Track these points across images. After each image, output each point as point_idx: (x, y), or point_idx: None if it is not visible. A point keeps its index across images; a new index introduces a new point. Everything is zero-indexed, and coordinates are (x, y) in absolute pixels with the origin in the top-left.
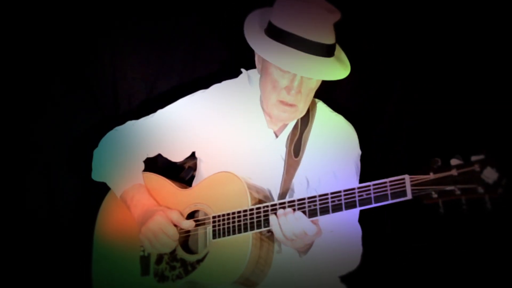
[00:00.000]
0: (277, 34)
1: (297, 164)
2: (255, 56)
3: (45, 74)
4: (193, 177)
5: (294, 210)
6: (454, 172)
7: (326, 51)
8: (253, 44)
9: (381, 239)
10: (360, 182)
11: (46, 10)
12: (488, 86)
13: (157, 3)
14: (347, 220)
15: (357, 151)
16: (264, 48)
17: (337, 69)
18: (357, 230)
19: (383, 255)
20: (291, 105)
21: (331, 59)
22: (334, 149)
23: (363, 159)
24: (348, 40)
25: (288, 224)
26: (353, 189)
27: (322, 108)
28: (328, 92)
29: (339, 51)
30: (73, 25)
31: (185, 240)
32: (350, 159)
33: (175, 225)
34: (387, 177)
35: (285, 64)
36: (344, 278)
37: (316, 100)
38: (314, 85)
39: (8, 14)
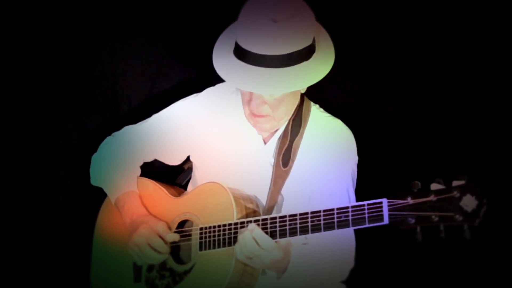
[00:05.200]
0: (238, 53)
1: (286, 174)
2: None
3: (45, 74)
4: (189, 181)
5: (267, 228)
6: (432, 197)
7: (282, 62)
8: (215, 64)
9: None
10: (356, 189)
11: (46, 10)
12: (488, 89)
13: (157, 3)
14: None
15: (354, 158)
16: (220, 64)
17: (296, 79)
18: (351, 244)
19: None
20: (261, 116)
21: (295, 67)
22: (329, 157)
23: (361, 156)
24: (347, 39)
25: (243, 242)
26: (332, 210)
27: (317, 113)
28: (325, 94)
29: (321, 53)
30: (73, 25)
31: (176, 249)
32: (346, 167)
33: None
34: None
35: (233, 81)
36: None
37: (312, 104)
38: (281, 96)
39: (8, 14)
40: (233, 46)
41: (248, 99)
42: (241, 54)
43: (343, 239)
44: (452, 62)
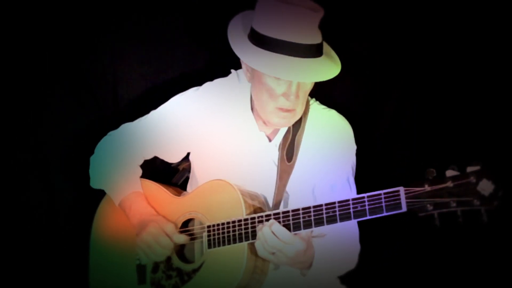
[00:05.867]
0: (261, 41)
1: (290, 169)
2: (242, 65)
3: (45, 74)
4: (185, 181)
5: (279, 222)
6: (449, 184)
7: (316, 51)
8: (242, 56)
9: (381, 239)
10: (356, 179)
11: (46, 10)
12: (488, 88)
13: (156, 2)
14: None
15: (352, 146)
16: (254, 60)
17: (329, 67)
18: (354, 229)
19: (383, 255)
20: (289, 111)
21: (322, 58)
22: (328, 148)
23: (361, 155)
24: (347, 38)
25: (263, 238)
26: (348, 200)
27: (314, 107)
28: (324, 91)
29: (327, 47)
30: (73, 26)
31: (181, 248)
32: (345, 158)
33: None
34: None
35: (279, 73)
36: (344, 280)
37: (309, 98)
38: (309, 87)
39: (8, 14)
40: (244, 37)
41: (281, 93)
42: (278, 45)
43: (347, 225)
44: (452, 62)
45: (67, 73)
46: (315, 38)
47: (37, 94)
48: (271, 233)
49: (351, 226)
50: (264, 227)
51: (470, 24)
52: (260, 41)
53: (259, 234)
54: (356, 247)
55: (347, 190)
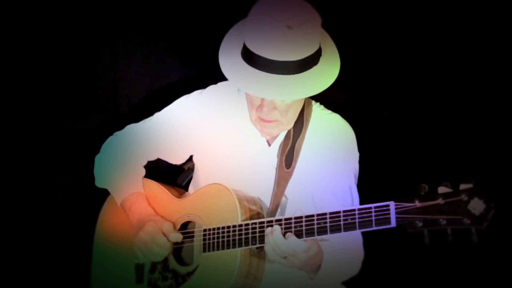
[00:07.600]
0: (248, 57)
1: (289, 175)
2: None
3: (45, 74)
4: (189, 182)
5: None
6: (440, 201)
7: (295, 68)
8: (223, 68)
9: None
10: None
11: (46, 10)
12: (490, 90)
13: (157, 3)
14: None
15: (356, 155)
16: (232, 72)
17: (310, 84)
18: (357, 235)
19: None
20: (270, 121)
21: (308, 72)
22: (329, 154)
23: (360, 165)
24: (348, 39)
25: (274, 242)
26: (339, 212)
27: (317, 112)
28: (326, 94)
29: (328, 56)
30: (73, 26)
31: (179, 250)
32: (347, 165)
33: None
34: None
35: (247, 88)
36: (344, 282)
37: (313, 102)
38: (291, 101)
39: (8, 14)
40: (240, 47)
41: (258, 105)
42: (254, 60)
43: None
44: (453, 63)
45: (68, 73)
46: (293, 54)
47: (37, 94)
48: (283, 239)
49: (354, 232)
50: (274, 232)
51: (473, 31)
52: (246, 56)
53: (269, 238)
54: (360, 253)
55: (348, 199)
